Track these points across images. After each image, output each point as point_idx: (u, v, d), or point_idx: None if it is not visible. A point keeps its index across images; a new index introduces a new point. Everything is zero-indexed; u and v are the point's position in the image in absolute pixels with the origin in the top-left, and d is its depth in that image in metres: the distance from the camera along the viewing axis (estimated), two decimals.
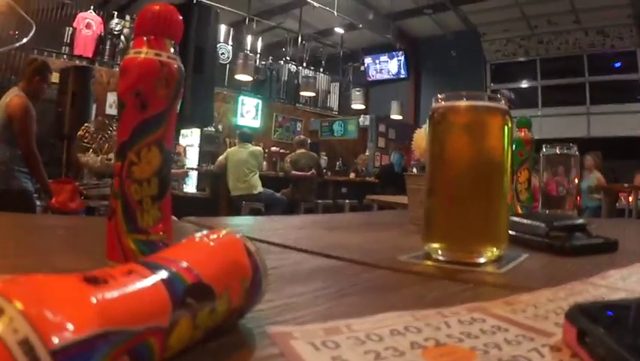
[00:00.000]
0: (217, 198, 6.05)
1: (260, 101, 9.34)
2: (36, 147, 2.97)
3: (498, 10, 8.72)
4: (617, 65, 8.53)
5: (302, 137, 7.21)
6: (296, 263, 0.57)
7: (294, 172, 6.25)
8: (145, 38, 0.45)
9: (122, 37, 7.93)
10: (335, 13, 8.47)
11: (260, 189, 5.74)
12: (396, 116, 10.17)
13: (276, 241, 0.72)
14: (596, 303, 0.33)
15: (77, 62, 7.08)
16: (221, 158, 5.98)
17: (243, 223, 1.25)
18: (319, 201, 6.57)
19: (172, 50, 0.46)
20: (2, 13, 5.41)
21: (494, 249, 0.59)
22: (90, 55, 7.60)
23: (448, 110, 0.62)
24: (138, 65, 0.44)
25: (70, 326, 0.18)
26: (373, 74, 11.10)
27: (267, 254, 0.59)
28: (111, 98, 6.99)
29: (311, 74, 10.30)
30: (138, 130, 0.44)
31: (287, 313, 0.36)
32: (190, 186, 7.64)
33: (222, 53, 8.85)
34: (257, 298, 0.32)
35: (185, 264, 0.26)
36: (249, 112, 9.16)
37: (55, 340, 0.17)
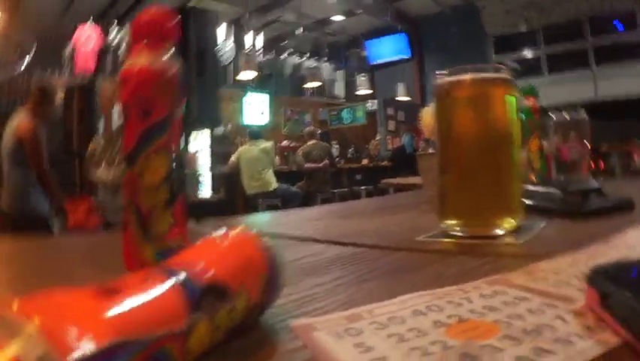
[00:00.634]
0: (233, 199, 6.04)
1: (267, 96, 9.32)
2: (49, 166, 2.99)
3: None
4: (619, 26, 8.40)
5: (312, 128, 7.19)
6: (314, 254, 0.57)
7: (306, 165, 6.24)
8: (141, 46, 0.45)
9: (124, 45, 7.92)
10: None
11: (275, 185, 5.71)
12: (403, 98, 10.11)
13: (294, 234, 0.72)
14: (617, 264, 0.32)
15: (81, 78, 7.12)
16: (233, 158, 5.95)
17: (259, 220, 1.26)
18: (335, 190, 6.56)
19: (169, 53, 0.46)
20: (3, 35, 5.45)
21: (510, 219, 0.59)
22: (92, 69, 7.62)
23: (452, 86, 0.62)
24: (136, 73, 0.44)
25: (85, 340, 0.18)
26: (376, 58, 11.02)
27: (284, 248, 0.60)
28: (118, 110, 7.02)
29: (315, 64, 10.25)
30: (143, 138, 0.44)
31: (309, 305, 0.36)
32: (205, 190, 7.66)
33: (224, 53, 8.83)
34: (275, 293, 0.32)
35: (200, 265, 0.26)
36: (256, 109, 9.14)
37: (73, 355, 0.17)
